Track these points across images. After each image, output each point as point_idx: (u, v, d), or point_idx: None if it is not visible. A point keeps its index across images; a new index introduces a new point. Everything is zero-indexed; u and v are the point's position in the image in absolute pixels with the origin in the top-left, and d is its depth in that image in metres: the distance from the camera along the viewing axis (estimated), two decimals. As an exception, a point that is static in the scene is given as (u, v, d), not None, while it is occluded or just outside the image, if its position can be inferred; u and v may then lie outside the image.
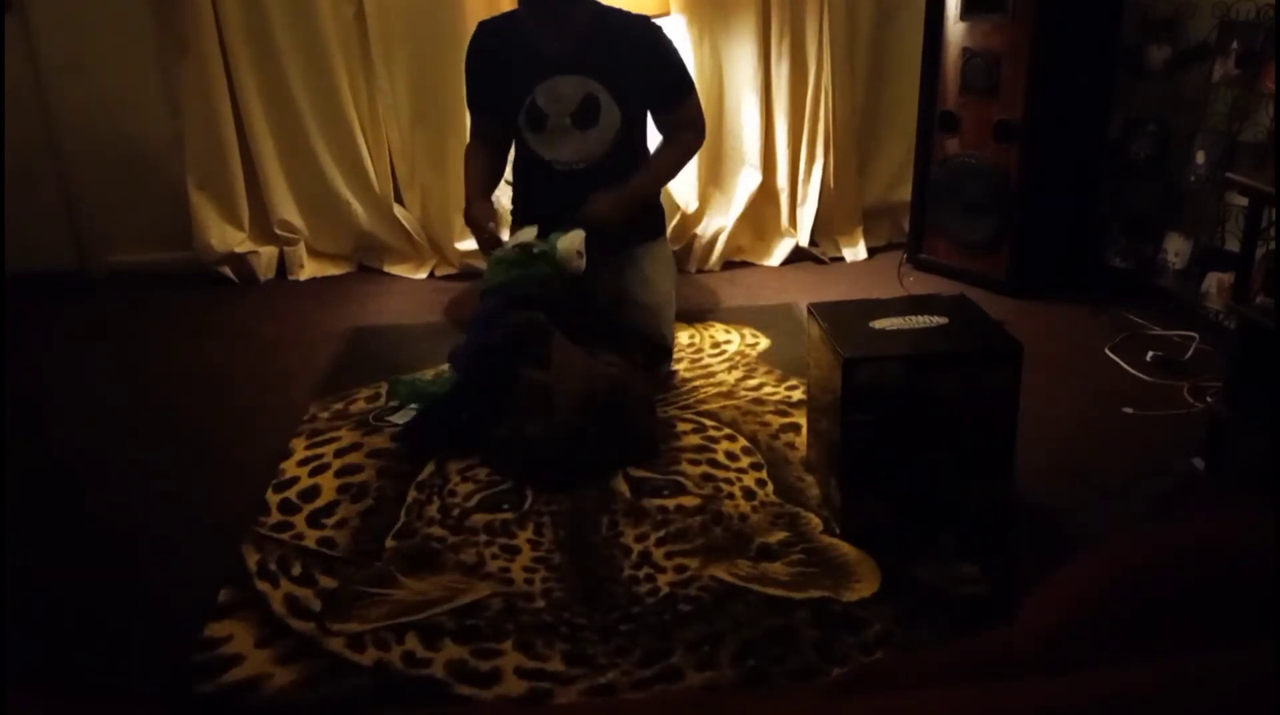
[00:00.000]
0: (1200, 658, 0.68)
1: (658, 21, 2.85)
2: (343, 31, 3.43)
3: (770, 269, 3.60)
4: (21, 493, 2.26)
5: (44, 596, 1.92)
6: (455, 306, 3.31)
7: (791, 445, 2.34)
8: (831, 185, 3.60)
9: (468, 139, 2.97)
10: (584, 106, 2.64)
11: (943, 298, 2.18)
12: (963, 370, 1.93)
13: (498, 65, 2.71)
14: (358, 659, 1.70)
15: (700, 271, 3.60)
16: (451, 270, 3.63)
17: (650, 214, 2.88)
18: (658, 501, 2.13)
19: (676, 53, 2.77)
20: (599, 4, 2.71)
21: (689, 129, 2.82)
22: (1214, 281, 2.85)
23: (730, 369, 2.76)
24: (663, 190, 3.10)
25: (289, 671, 1.68)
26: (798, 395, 2.56)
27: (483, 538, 2.01)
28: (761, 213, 3.67)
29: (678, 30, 3.41)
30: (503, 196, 3.30)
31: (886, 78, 3.62)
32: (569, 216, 2.59)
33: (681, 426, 2.44)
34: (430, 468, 2.28)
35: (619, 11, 2.74)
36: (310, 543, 2.02)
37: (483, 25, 2.76)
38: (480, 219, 2.69)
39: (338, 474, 2.27)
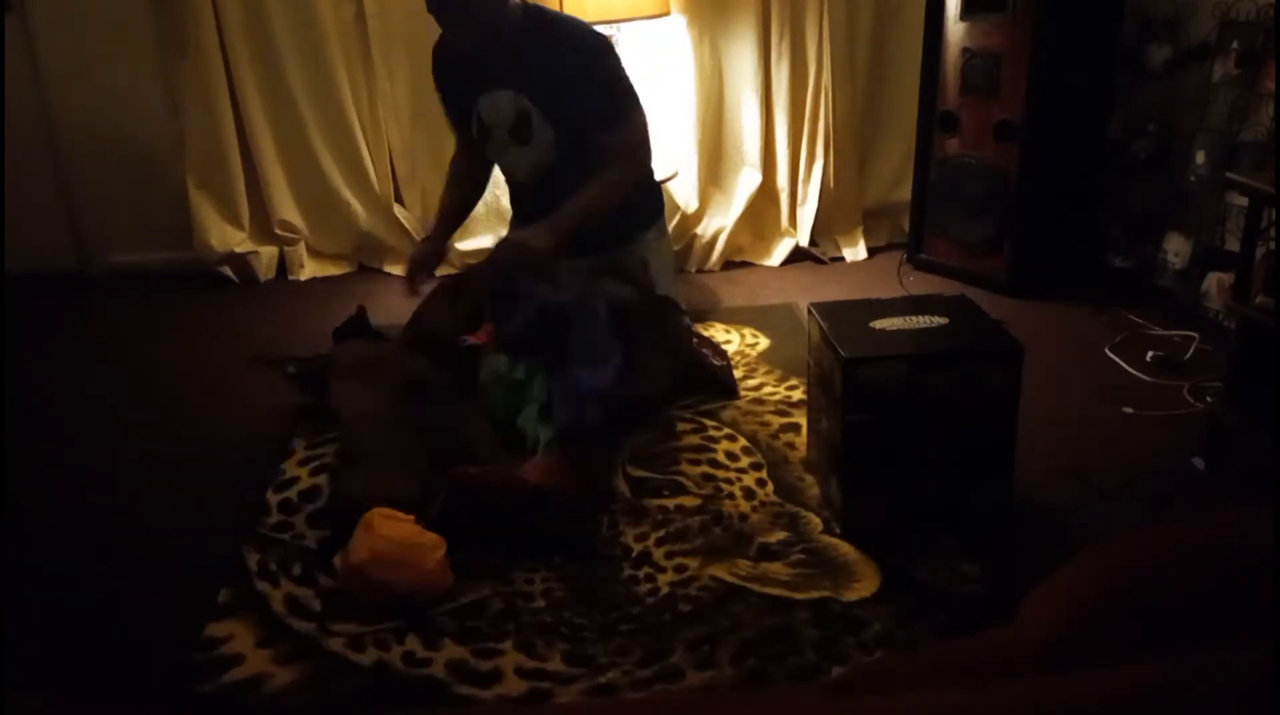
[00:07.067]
0: (1200, 658, 0.68)
1: (615, 32, 2.71)
2: (343, 31, 3.43)
3: (770, 269, 3.60)
4: (21, 493, 2.26)
5: (44, 596, 1.92)
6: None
7: (791, 445, 2.34)
8: (831, 185, 3.60)
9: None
10: (518, 123, 2.57)
11: (943, 298, 2.18)
12: (963, 370, 1.93)
13: (452, 80, 2.67)
14: (358, 659, 1.70)
15: (700, 271, 3.60)
16: (451, 270, 3.62)
17: (646, 200, 2.82)
18: (657, 501, 2.12)
19: (613, 72, 2.57)
20: (542, 12, 2.58)
21: (622, 158, 2.60)
22: (1214, 281, 2.85)
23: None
24: (663, 187, 3.07)
25: (289, 671, 1.68)
26: (798, 395, 2.56)
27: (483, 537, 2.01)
28: (761, 213, 3.67)
29: (677, 30, 3.41)
30: (502, 197, 3.30)
31: (886, 78, 3.62)
32: (520, 229, 2.57)
33: (681, 426, 2.44)
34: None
35: (562, 23, 2.59)
36: (311, 543, 2.02)
37: (436, 45, 2.70)
38: (421, 260, 2.67)
39: (338, 474, 2.27)
